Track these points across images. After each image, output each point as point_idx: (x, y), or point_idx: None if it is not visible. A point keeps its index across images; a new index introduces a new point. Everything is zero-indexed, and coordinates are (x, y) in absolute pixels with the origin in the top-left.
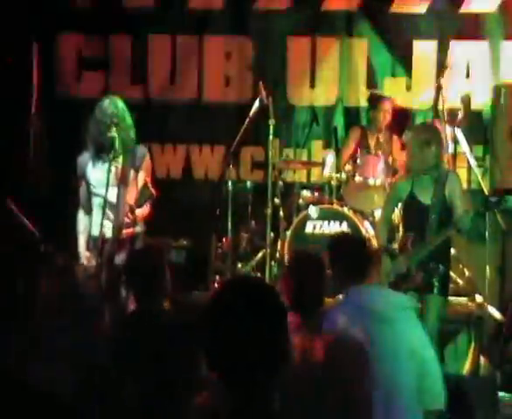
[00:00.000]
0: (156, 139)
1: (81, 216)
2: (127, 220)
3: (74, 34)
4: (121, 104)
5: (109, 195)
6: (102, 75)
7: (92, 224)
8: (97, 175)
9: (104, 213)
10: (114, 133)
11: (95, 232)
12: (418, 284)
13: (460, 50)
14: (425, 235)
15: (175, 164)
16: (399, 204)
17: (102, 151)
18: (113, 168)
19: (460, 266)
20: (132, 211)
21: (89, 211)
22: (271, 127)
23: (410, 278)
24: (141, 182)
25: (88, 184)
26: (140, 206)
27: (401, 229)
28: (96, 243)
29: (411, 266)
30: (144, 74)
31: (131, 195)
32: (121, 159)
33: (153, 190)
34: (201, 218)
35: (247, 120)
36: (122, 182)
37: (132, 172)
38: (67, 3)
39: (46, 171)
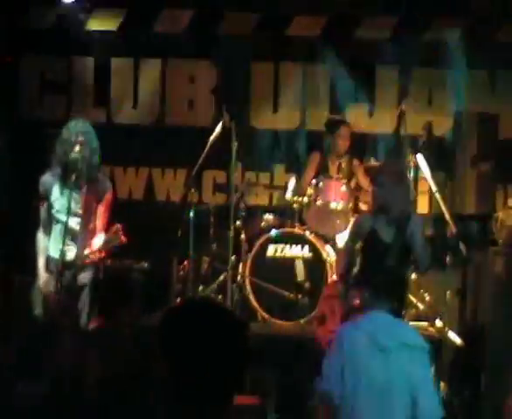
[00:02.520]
0: (119, 161)
1: (41, 237)
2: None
3: (37, 56)
4: (88, 126)
5: (70, 223)
6: (65, 97)
7: (50, 245)
8: (60, 199)
9: (65, 238)
10: (77, 152)
11: (54, 254)
12: None
13: (422, 77)
14: (381, 273)
15: (137, 186)
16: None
17: (66, 174)
18: (75, 195)
19: (421, 291)
20: (99, 252)
21: (49, 232)
22: (233, 151)
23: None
24: (100, 218)
25: (50, 206)
26: (107, 250)
27: (359, 260)
28: (56, 267)
29: None
30: (107, 97)
31: (92, 228)
32: (85, 188)
33: (123, 238)
34: (162, 241)
35: (210, 143)
36: (85, 211)
37: (94, 204)
38: (30, 24)
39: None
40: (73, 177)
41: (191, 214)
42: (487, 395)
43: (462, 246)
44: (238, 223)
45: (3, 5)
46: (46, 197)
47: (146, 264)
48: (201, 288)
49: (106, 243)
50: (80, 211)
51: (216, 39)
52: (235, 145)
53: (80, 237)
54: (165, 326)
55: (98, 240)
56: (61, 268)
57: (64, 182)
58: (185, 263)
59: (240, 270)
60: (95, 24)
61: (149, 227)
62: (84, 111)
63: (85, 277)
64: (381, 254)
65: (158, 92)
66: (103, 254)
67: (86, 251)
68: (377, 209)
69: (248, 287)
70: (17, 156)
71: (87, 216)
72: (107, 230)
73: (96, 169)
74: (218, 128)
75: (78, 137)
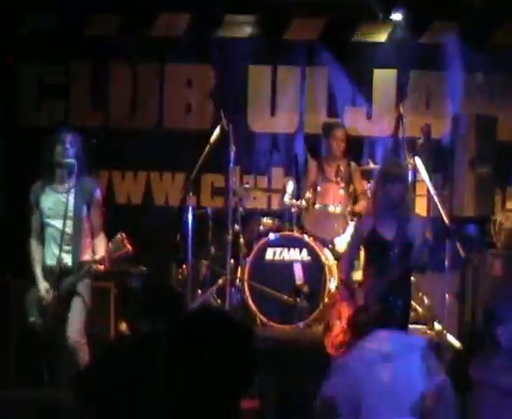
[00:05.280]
0: (117, 166)
1: (34, 245)
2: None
3: (35, 61)
4: (75, 134)
5: (61, 226)
6: (63, 102)
7: (45, 253)
8: (49, 204)
9: (61, 244)
10: (65, 159)
11: (50, 261)
12: (375, 315)
13: (420, 79)
14: (385, 269)
15: (135, 191)
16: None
17: (54, 179)
18: (63, 199)
19: (420, 294)
20: (101, 263)
21: (42, 240)
22: (231, 154)
23: (366, 311)
24: (94, 220)
25: (41, 213)
26: (116, 259)
27: (363, 262)
28: (53, 275)
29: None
30: (105, 101)
31: (87, 231)
32: (72, 191)
33: (129, 246)
34: (161, 244)
35: (208, 146)
36: (75, 215)
37: (84, 206)
38: (28, 30)
39: (2, 196)
40: (61, 184)
41: (190, 218)
42: None
43: (461, 249)
44: (236, 226)
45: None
46: (37, 204)
47: (145, 269)
48: (200, 292)
49: (111, 252)
50: (71, 214)
51: (214, 43)
52: (233, 148)
53: (75, 242)
54: (173, 336)
55: (100, 243)
56: (59, 274)
57: (51, 187)
58: (184, 267)
59: (239, 273)
60: (93, 29)
61: (148, 231)
62: (82, 116)
63: (83, 285)
64: (382, 252)
65: (156, 96)
66: (107, 263)
67: (87, 257)
68: (378, 207)
69: (247, 291)
70: (14, 161)
71: (78, 220)
72: (104, 229)
73: (82, 175)
74: (216, 132)
75: (66, 145)
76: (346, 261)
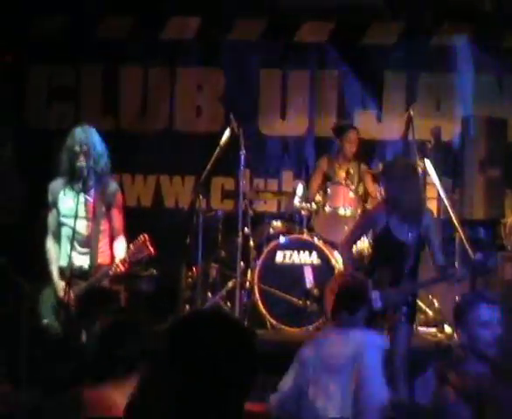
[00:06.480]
0: (127, 169)
1: (51, 244)
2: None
3: (45, 64)
4: (92, 132)
5: (78, 227)
6: (73, 105)
7: (60, 254)
8: (67, 204)
9: (72, 244)
10: (82, 161)
11: (63, 262)
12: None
13: (430, 82)
14: (402, 271)
15: (145, 194)
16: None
17: (73, 179)
18: (82, 199)
19: (430, 297)
20: (124, 263)
21: (58, 240)
22: (242, 157)
23: (385, 317)
24: (115, 221)
25: (58, 212)
26: (137, 261)
27: (372, 260)
28: (65, 274)
29: (389, 305)
30: (115, 104)
31: (104, 233)
32: (92, 192)
33: (151, 249)
34: (171, 247)
35: (218, 149)
36: (94, 216)
37: (103, 208)
38: (38, 32)
39: (15, 200)
40: (80, 184)
41: (200, 221)
42: None
43: (471, 251)
44: (246, 229)
45: (10, 13)
46: (55, 204)
47: (155, 271)
48: (210, 295)
49: (133, 254)
50: (89, 215)
51: (224, 46)
52: (243, 152)
53: (92, 245)
54: (172, 338)
55: (121, 245)
56: (70, 274)
57: (70, 187)
58: (194, 269)
59: (249, 276)
60: (104, 31)
61: (158, 234)
62: (92, 118)
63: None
64: (394, 253)
65: (167, 99)
66: (128, 265)
67: (105, 260)
68: (389, 205)
69: (257, 294)
70: (24, 165)
71: (97, 221)
72: (125, 231)
73: (103, 174)
74: (227, 135)
75: (82, 146)
76: (347, 245)
